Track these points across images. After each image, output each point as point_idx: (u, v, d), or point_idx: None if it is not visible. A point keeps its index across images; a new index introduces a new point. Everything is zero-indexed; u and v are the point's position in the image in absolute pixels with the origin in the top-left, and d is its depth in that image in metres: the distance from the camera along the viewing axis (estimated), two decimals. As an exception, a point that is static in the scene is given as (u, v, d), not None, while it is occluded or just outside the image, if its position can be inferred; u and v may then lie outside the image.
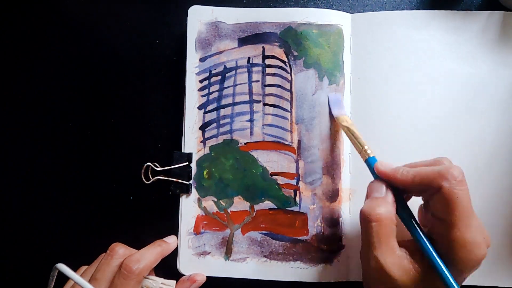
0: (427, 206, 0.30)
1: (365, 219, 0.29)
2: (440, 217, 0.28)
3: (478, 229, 0.27)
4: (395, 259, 0.28)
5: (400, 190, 0.30)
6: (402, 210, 0.30)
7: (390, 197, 0.30)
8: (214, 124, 0.38)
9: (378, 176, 0.31)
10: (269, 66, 0.38)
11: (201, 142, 0.38)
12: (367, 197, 0.31)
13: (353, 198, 0.37)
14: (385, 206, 0.29)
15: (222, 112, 0.38)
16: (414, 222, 0.29)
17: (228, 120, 0.38)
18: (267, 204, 0.37)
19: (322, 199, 0.37)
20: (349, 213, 0.37)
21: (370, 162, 0.32)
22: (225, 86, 0.38)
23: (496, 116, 0.37)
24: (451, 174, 0.27)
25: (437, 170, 0.28)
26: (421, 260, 0.28)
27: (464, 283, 0.36)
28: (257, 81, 0.38)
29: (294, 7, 0.40)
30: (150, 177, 0.38)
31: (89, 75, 0.41)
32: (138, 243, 0.37)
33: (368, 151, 0.32)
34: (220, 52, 0.38)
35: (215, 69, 0.38)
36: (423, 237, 0.28)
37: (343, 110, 0.37)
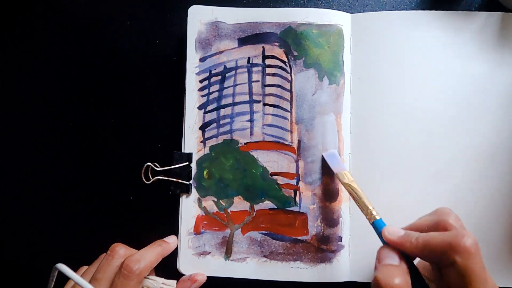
0: (440, 273, 0.29)
1: None
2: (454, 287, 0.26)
3: None
4: None
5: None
6: (417, 281, 0.28)
7: (404, 266, 0.28)
8: (214, 124, 0.38)
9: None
10: (269, 66, 0.38)
11: (201, 142, 0.38)
12: (379, 262, 0.29)
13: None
14: (402, 277, 0.27)
15: (222, 112, 0.38)
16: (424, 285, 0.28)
17: (228, 120, 0.38)
18: (267, 204, 0.37)
19: (322, 199, 0.37)
20: (349, 213, 0.37)
21: (377, 226, 0.31)
22: (225, 86, 0.38)
23: (496, 116, 0.37)
24: (464, 247, 0.25)
25: (448, 241, 0.26)
26: None
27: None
28: (257, 81, 0.38)
29: (294, 7, 0.40)
30: (150, 177, 0.38)
31: (89, 75, 0.41)
32: (138, 243, 0.37)
33: (374, 213, 0.31)
34: (220, 52, 0.38)
35: (215, 69, 0.38)
36: None
37: (341, 165, 0.36)
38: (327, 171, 0.36)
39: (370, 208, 0.32)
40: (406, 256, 0.28)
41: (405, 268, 0.28)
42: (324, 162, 0.37)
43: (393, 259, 0.28)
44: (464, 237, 0.26)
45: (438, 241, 0.27)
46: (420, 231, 0.29)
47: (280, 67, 0.38)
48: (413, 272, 0.28)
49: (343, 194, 0.37)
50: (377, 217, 0.31)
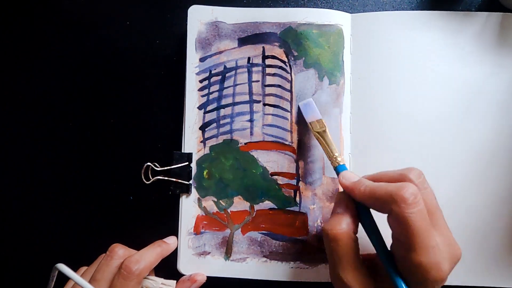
0: None
1: (325, 238, 0.29)
2: (397, 238, 0.28)
3: (438, 248, 0.27)
4: (356, 276, 0.28)
5: None
6: (366, 224, 0.30)
7: (350, 213, 0.30)
8: (214, 124, 0.38)
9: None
10: (269, 66, 0.38)
11: (201, 142, 0.38)
12: (332, 210, 0.31)
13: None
14: (343, 222, 0.29)
15: (222, 112, 0.38)
16: (374, 237, 0.30)
17: (228, 120, 0.38)
18: (267, 204, 0.37)
19: (322, 199, 0.37)
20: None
21: (338, 170, 0.32)
22: (225, 86, 0.38)
23: (495, 117, 0.37)
24: (401, 196, 0.26)
25: (389, 191, 0.27)
26: (384, 276, 0.29)
27: (463, 284, 0.36)
28: (257, 81, 0.38)
29: (294, 7, 0.40)
30: (150, 177, 0.38)
31: (89, 75, 0.41)
32: (138, 243, 0.37)
33: (338, 159, 0.33)
34: (220, 52, 0.38)
35: (215, 69, 0.38)
36: (384, 254, 0.29)
37: (316, 113, 0.36)
38: (303, 121, 0.37)
39: (336, 154, 0.33)
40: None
41: (351, 214, 0.30)
42: (300, 113, 0.37)
43: (342, 206, 0.30)
44: (404, 188, 0.26)
45: (382, 191, 0.28)
46: (378, 181, 0.30)
47: (280, 67, 0.38)
48: (365, 215, 0.30)
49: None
50: (341, 163, 0.32)
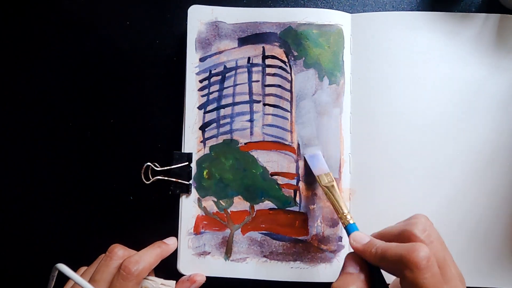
0: None
1: None
2: None
3: None
4: None
5: None
6: (377, 285, 0.29)
7: (363, 274, 0.29)
8: (214, 124, 0.38)
9: None
10: (269, 66, 0.38)
11: (201, 142, 0.38)
12: (342, 270, 0.30)
13: (353, 198, 0.37)
14: (356, 285, 0.28)
15: (222, 112, 0.38)
16: None
17: (228, 120, 0.38)
18: (267, 204, 0.37)
19: (322, 199, 0.37)
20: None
21: (348, 230, 0.31)
22: (225, 86, 0.38)
23: (495, 117, 0.37)
24: (414, 261, 0.25)
25: (400, 254, 0.26)
26: None
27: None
28: (257, 81, 0.38)
29: (294, 7, 0.40)
30: (150, 177, 0.38)
31: (89, 75, 0.41)
32: (138, 243, 0.37)
33: (348, 217, 0.32)
34: (220, 52, 0.38)
35: (215, 69, 0.38)
36: None
37: (324, 166, 0.36)
38: (309, 172, 0.36)
39: (346, 212, 0.32)
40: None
41: (363, 277, 0.28)
42: (307, 164, 0.36)
43: (353, 267, 0.29)
44: (415, 251, 0.25)
45: (393, 253, 0.27)
46: (386, 239, 0.29)
47: (280, 67, 0.38)
48: (377, 276, 0.29)
49: (343, 194, 0.37)
50: (351, 221, 0.31)
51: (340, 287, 0.28)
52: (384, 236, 0.30)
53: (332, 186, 0.34)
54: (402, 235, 0.28)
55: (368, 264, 0.29)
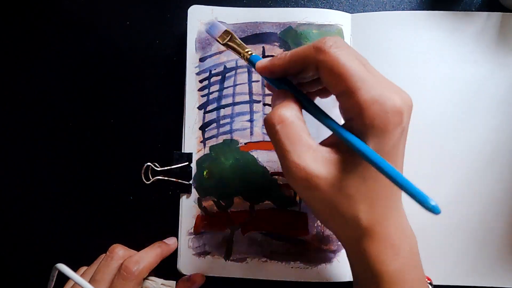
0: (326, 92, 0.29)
1: (269, 125, 0.25)
2: (336, 92, 0.25)
3: (384, 85, 0.24)
4: (316, 155, 0.24)
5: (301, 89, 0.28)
6: (308, 105, 0.27)
7: (291, 99, 0.26)
8: (214, 124, 0.38)
9: (278, 87, 0.28)
10: (269, 66, 0.38)
11: (201, 142, 0.38)
12: (272, 107, 0.27)
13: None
14: (287, 107, 0.25)
15: (222, 112, 0.38)
16: (320, 110, 0.27)
17: (228, 120, 0.38)
18: (267, 204, 0.37)
19: (322, 199, 0.37)
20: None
21: (254, 61, 0.29)
22: (225, 86, 0.38)
23: (496, 116, 0.37)
24: (324, 43, 0.24)
25: (310, 45, 0.25)
26: (347, 150, 0.25)
27: (464, 284, 0.36)
28: (257, 81, 0.38)
29: (294, 7, 0.40)
30: (150, 177, 0.38)
31: (89, 75, 0.41)
32: (138, 243, 0.37)
33: (249, 52, 0.31)
34: (220, 52, 0.38)
35: (215, 69, 0.38)
36: (330, 121, 0.26)
37: (220, 27, 0.34)
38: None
39: (246, 50, 0.31)
40: (297, 91, 0.27)
41: (292, 101, 0.26)
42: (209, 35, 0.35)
43: (279, 99, 0.27)
44: (325, 39, 0.24)
45: (303, 48, 0.25)
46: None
47: (280, 67, 0.38)
48: (304, 98, 0.27)
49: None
50: (253, 53, 0.30)
51: (272, 114, 0.25)
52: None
53: (231, 37, 0.33)
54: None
55: (293, 93, 0.27)
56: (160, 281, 0.35)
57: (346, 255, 0.36)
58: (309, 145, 0.25)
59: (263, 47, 0.38)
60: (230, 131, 0.38)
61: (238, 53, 0.32)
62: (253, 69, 0.38)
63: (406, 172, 0.37)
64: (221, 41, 0.33)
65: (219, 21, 0.36)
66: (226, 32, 0.33)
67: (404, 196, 0.35)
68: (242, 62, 0.38)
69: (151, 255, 0.35)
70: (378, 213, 0.25)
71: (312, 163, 0.24)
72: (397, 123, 0.23)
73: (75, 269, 0.32)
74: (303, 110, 0.27)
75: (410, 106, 0.25)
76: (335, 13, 0.38)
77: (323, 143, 0.26)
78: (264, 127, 0.38)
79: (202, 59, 0.38)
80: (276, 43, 0.38)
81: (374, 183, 0.25)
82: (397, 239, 0.26)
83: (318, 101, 0.30)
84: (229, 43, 0.33)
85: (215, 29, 0.34)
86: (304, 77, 0.28)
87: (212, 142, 0.38)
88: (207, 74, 0.38)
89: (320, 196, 0.24)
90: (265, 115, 0.35)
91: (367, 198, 0.25)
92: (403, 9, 0.40)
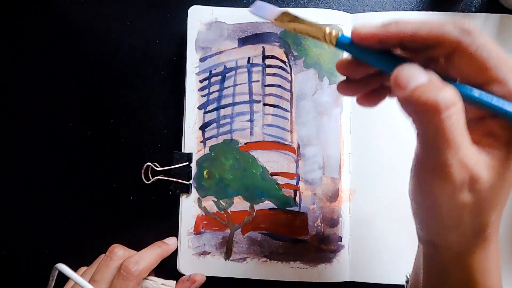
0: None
1: (432, 110, 0.19)
2: (472, 80, 0.21)
3: None
4: (479, 156, 0.20)
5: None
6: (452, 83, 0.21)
7: (436, 76, 0.20)
8: (214, 124, 0.38)
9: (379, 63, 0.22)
10: (269, 66, 0.38)
11: (201, 142, 0.38)
12: (404, 88, 0.20)
13: (353, 198, 0.37)
14: (448, 87, 0.20)
15: (222, 112, 0.38)
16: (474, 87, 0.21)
17: (228, 120, 0.38)
18: (267, 204, 0.37)
19: (322, 199, 0.37)
20: (349, 213, 0.37)
21: (344, 42, 0.23)
22: (225, 86, 0.38)
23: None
24: (469, 25, 0.20)
25: (451, 22, 0.20)
26: (498, 141, 0.21)
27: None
28: (257, 81, 0.38)
29: (294, 7, 0.40)
30: (150, 177, 0.38)
31: (89, 75, 0.41)
32: (138, 243, 0.37)
33: (333, 32, 0.23)
34: (220, 52, 0.38)
35: (215, 69, 0.38)
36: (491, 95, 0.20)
37: (273, 9, 0.26)
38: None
39: (327, 29, 0.23)
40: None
41: (439, 78, 0.20)
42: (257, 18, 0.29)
43: (420, 75, 0.20)
44: (461, 19, 0.20)
45: (440, 23, 0.21)
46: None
47: (280, 67, 0.38)
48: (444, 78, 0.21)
49: (343, 194, 0.37)
50: (339, 34, 0.23)
51: (432, 95, 0.19)
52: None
53: (296, 17, 0.25)
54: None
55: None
56: (160, 281, 0.35)
57: (346, 255, 0.36)
58: (472, 143, 0.20)
59: (263, 47, 0.38)
60: (230, 131, 0.38)
61: (314, 35, 0.24)
62: (253, 69, 0.38)
63: (406, 172, 0.37)
64: (283, 24, 0.25)
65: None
66: (286, 14, 0.25)
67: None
68: (242, 62, 0.38)
69: (151, 255, 0.35)
70: (498, 221, 0.23)
71: (478, 166, 0.20)
72: None
73: (75, 269, 0.32)
74: None
75: None
76: (335, 13, 0.38)
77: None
78: (264, 127, 0.38)
79: (202, 59, 0.38)
80: (276, 43, 0.38)
81: (508, 191, 0.22)
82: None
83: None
84: (297, 23, 0.25)
85: (266, 9, 0.26)
86: (416, 56, 0.22)
87: (212, 142, 0.38)
88: (207, 74, 0.38)
89: (465, 200, 0.21)
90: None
91: (499, 207, 0.22)
92: (403, 9, 0.40)
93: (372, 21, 0.22)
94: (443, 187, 0.21)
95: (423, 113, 0.20)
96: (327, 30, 0.23)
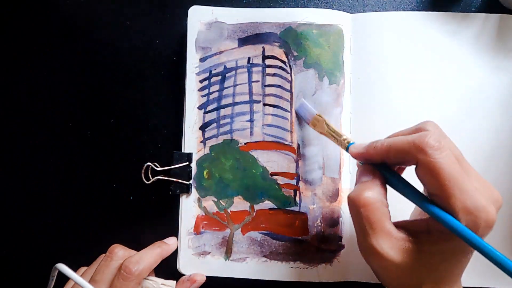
0: None
1: (353, 205, 0.27)
2: (432, 192, 0.25)
3: (479, 191, 0.25)
4: (393, 243, 0.26)
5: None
6: (395, 181, 0.28)
7: (377, 179, 0.27)
8: (214, 124, 0.38)
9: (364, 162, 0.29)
10: (269, 66, 0.38)
11: (201, 142, 0.38)
12: (356, 181, 0.29)
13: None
14: (372, 189, 0.27)
15: (222, 112, 0.38)
16: (409, 191, 0.27)
17: (228, 120, 0.38)
18: (267, 204, 0.37)
19: (322, 199, 0.37)
20: (349, 213, 0.37)
21: (349, 147, 0.31)
22: (225, 86, 0.38)
23: (495, 117, 0.37)
24: (425, 143, 0.24)
25: (411, 140, 0.25)
26: (427, 237, 0.26)
27: (464, 284, 0.36)
28: (257, 81, 0.38)
29: (294, 7, 0.40)
30: (150, 177, 0.38)
31: (89, 75, 0.41)
32: (138, 243, 0.37)
33: (346, 140, 0.31)
34: (220, 52, 0.38)
35: (215, 69, 0.38)
36: (427, 201, 0.26)
37: (311, 110, 0.36)
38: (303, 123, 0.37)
39: (343, 137, 0.32)
40: (383, 164, 0.28)
41: (379, 180, 0.27)
42: (298, 116, 0.37)
43: (367, 175, 0.28)
44: (426, 135, 0.25)
45: (402, 142, 0.26)
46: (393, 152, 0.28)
47: (280, 67, 0.38)
48: (390, 173, 0.28)
49: (343, 194, 0.37)
50: (351, 141, 0.31)
51: (356, 195, 0.27)
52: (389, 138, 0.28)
53: (327, 124, 0.34)
54: (411, 133, 0.27)
55: (380, 170, 0.28)
56: (160, 281, 0.35)
57: (346, 255, 0.36)
58: (389, 232, 0.26)
59: (263, 47, 0.38)
60: (230, 131, 0.38)
61: (335, 141, 0.33)
62: (253, 69, 0.38)
63: (405, 172, 0.37)
64: (314, 126, 0.35)
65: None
66: (318, 117, 0.35)
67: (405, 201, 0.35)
68: (242, 62, 0.38)
69: (151, 255, 0.35)
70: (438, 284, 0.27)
71: (389, 250, 0.26)
72: (486, 232, 0.25)
73: (75, 269, 0.32)
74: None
75: (500, 205, 0.26)
76: (335, 13, 0.38)
77: (398, 224, 0.28)
78: (264, 127, 0.38)
79: (202, 59, 0.38)
80: (276, 43, 0.38)
81: (440, 265, 0.26)
82: None
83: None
84: (327, 128, 0.34)
85: (305, 111, 0.36)
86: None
87: (212, 142, 0.38)
88: (207, 74, 0.38)
89: (389, 275, 0.27)
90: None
91: (433, 279, 0.26)
92: (403, 10, 0.40)
93: (363, 143, 0.30)
94: (368, 261, 0.28)
95: (349, 207, 0.28)
96: (343, 137, 0.32)
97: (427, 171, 0.25)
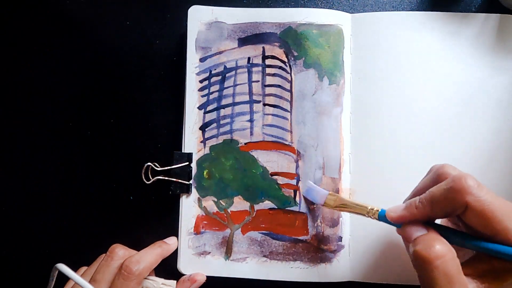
0: (460, 225, 0.28)
1: (425, 261, 0.24)
2: (483, 230, 0.25)
3: None
4: None
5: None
6: (450, 234, 0.27)
7: (434, 232, 0.26)
8: (214, 124, 0.38)
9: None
10: (269, 66, 0.38)
11: (201, 142, 0.38)
12: (408, 239, 0.27)
13: (353, 198, 0.37)
14: (440, 241, 0.25)
15: (222, 112, 0.38)
16: (463, 233, 0.27)
17: (228, 120, 0.38)
18: (267, 204, 0.37)
19: (322, 199, 0.37)
20: (349, 213, 0.37)
21: (382, 215, 0.30)
22: (225, 86, 0.38)
23: (495, 117, 0.37)
24: (468, 185, 0.25)
25: (450, 187, 0.25)
26: (493, 278, 0.25)
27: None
28: (257, 81, 0.38)
29: (294, 7, 0.40)
30: (150, 177, 0.38)
31: (89, 75, 0.41)
32: (138, 243, 0.37)
33: (375, 209, 0.31)
34: (220, 52, 0.38)
35: (215, 69, 0.38)
36: (480, 240, 0.26)
37: (321, 192, 0.35)
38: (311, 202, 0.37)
39: (369, 207, 0.32)
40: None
41: (437, 233, 0.26)
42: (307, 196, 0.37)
43: (420, 230, 0.27)
44: (462, 178, 0.25)
45: (442, 193, 0.26)
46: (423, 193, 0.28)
47: (280, 67, 0.38)
48: (444, 230, 0.27)
49: (343, 194, 0.37)
50: (379, 209, 0.31)
51: (427, 249, 0.25)
52: (418, 193, 0.28)
53: (342, 199, 0.34)
54: (437, 180, 0.27)
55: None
56: (161, 280, 0.36)
57: (346, 255, 0.36)
58: (465, 284, 0.25)
59: (263, 47, 0.38)
60: (230, 131, 0.38)
61: (359, 213, 0.32)
62: (253, 69, 0.38)
63: (406, 172, 0.37)
64: (330, 206, 0.34)
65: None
66: (332, 196, 0.34)
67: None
68: (242, 62, 0.38)
69: (151, 255, 0.35)
70: None
71: None
72: None
73: (75, 269, 0.32)
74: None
75: None
76: (335, 13, 0.38)
77: (465, 272, 0.26)
78: (264, 127, 0.38)
79: (202, 59, 0.39)
80: (276, 43, 0.38)
81: None
82: None
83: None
84: (343, 205, 0.33)
85: (315, 194, 0.35)
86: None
87: (212, 142, 0.38)
88: (207, 74, 0.38)
89: None
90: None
91: None
92: (403, 9, 0.40)
93: (399, 205, 0.29)
94: None
95: (418, 263, 0.25)
96: (369, 207, 0.31)
97: (478, 212, 0.25)
